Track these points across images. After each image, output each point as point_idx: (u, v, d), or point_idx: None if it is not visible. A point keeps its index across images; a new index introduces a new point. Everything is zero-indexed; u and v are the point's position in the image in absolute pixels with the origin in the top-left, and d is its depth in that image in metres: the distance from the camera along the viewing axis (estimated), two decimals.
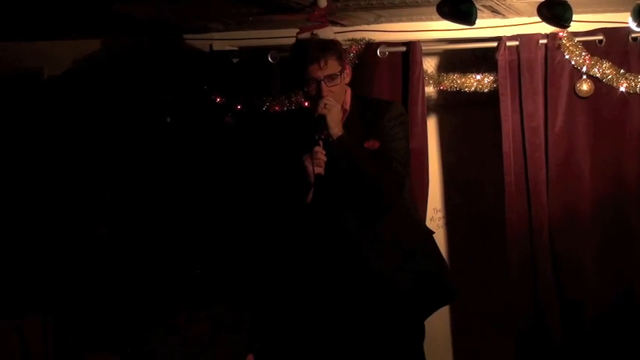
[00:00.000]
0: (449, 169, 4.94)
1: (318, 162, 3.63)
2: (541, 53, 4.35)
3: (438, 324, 4.73)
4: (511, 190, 4.38)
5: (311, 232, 3.88)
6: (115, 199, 4.95)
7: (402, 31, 4.66)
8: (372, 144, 3.74)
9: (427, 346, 3.93)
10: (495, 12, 4.34)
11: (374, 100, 4.09)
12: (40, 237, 5.01)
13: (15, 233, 5.02)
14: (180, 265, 4.67)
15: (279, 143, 3.94)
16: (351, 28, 4.66)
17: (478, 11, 3.89)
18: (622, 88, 4.26)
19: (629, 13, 3.94)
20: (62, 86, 5.12)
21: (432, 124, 4.87)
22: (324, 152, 3.64)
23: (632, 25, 3.95)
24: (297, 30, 3.99)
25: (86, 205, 4.99)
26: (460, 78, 4.54)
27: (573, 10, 3.80)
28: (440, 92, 4.84)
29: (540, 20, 3.96)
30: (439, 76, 4.61)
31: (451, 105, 4.86)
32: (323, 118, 3.64)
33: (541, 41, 4.34)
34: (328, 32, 3.93)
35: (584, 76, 4.29)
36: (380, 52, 4.57)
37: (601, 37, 4.30)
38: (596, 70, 4.27)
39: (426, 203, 4.58)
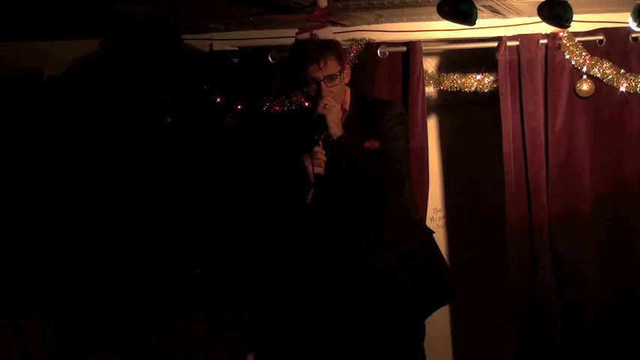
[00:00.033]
0: (449, 169, 4.94)
1: (317, 162, 3.63)
2: (541, 53, 4.35)
3: (438, 324, 4.73)
4: (511, 190, 4.38)
5: (311, 232, 3.88)
6: (115, 199, 4.95)
7: (402, 31, 4.66)
8: (372, 144, 3.74)
9: (427, 345, 3.93)
10: (495, 12, 4.34)
11: (374, 99, 4.09)
12: (40, 237, 5.01)
13: (15, 233, 5.02)
14: (180, 265, 4.67)
15: (279, 143, 3.94)
16: (351, 28, 4.66)
17: (478, 11, 3.89)
18: (622, 88, 4.26)
19: (629, 13, 3.94)
20: (62, 86, 5.12)
21: (432, 124, 4.87)
22: (323, 152, 3.64)
23: (633, 25, 3.95)
24: (297, 30, 3.99)
25: (86, 205, 4.99)
26: (460, 78, 4.54)
27: (573, 10, 3.81)
28: (440, 92, 4.84)
29: (540, 20, 3.96)
30: (439, 76, 4.61)
31: (451, 105, 4.86)
32: (323, 118, 3.64)
33: (541, 41, 4.34)
34: (327, 32, 3.93)
35: (585, 76, 4.29)
36: (380, 52, 4.57)
37: (601, 37, 4.30)
38: (597, 70, 4.27)
39: (426, 203, 4.58)
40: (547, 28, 4.27)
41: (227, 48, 4.93)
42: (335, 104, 3.68)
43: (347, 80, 3.81)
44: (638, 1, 3.88)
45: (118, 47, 5.05)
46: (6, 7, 4.15)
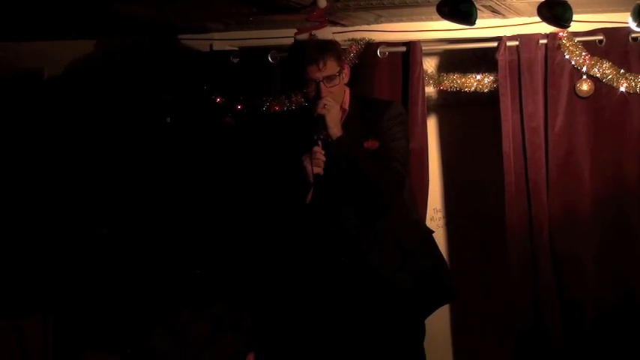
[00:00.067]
0: (449, 169, 4.94)
1: (316, 162, 3.63)
2: (541, 53, 4.35)
3: (438, 324, 4.73)
4: (511, 190, 4.38)
5: (311, 232, 3.88)
6: (115, 199, 4.95)
7: (402, 31, 4.66)
8: (372, 144, 3.74)
9: (427, 345, 3.93)
10: (495, 12, 4.34)
11: (373, 99, 4.09)
12: (40, 237, 5.01)
13: (15, 233, 5.02)
14: (180, 265, 4.67)
15: (279, 143, 3.94)
16: (351, 28, 4.66)
17: (478, 11, 3.89)
18: (622, 88, 4.26)
19: (629, 13, 3.94)
20: (62, 86, 5.13)
21: (432, 124, 4.87)
22: (323, 152, 3.64)
23: (632, 25, 3.95)
24: (296, 30, 3.99)
25: (86, 205, 4.99)
26: (460, 78, 4.54)
27: (573, 10, 3.80)
28: (440, 92, 4.84)
29: (540, 20, 3.96)
30: (439, 76, 4.61)
31: (451, 105, 4.86)
32: (322, 118, 3.64)
33: (541, 41, 4.34)
34: (326, 33, 3.93)
35: (584, 76, 4.29)
36: (380, 52, 4.57)
37: (601, 37, 4.30)
38: (597, 70, 4.27)
39: (426, 203, 4.58)
40: (547, 28, 4.26)
41: (227, 48, 4.93)
42: (334, 104, 3.68)
43: (346, 80, 3.81)
44: (638, 1, 3.88)
45: (118, 47, 5.05)
46: (6, 7, 4.15)
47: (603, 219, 4.33)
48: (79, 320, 4.93)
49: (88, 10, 4.23)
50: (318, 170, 3.63)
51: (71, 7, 4.16)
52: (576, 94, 4.32)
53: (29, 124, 5.11)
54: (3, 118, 5.13)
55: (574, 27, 4.06)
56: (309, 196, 3.71)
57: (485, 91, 4.52)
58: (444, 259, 4.03)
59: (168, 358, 2.42)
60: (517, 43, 4.37)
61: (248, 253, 4.64)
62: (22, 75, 5.20)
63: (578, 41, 4.28)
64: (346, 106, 3.82)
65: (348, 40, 4.58)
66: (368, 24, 4.65)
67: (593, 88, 4.29)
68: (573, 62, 4.30)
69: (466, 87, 4.53)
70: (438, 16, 3.96)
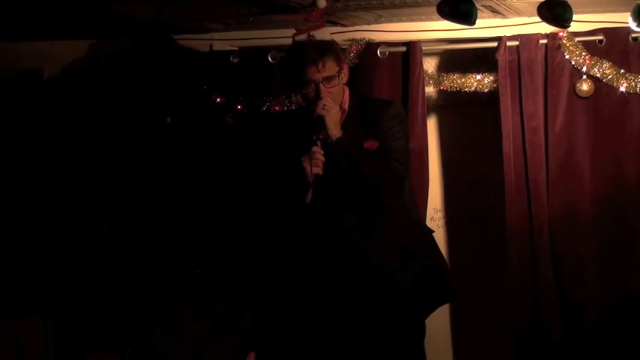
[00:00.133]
0: (449, 169, 4.94)
1: (315, 162, 3.64)
2: (541, 53, 4.35)
3: (438, 324, 4.73)
4: (511, 190, 4.37)
5: (311, 232, 3.88)
6: (115, 199, 4.95)
7: (402, 31, 4.66)
8: (372, 144, 3.74)
9: (427, 345, 3.93)
10: (495, 12, 4.34)
11: (373, 99, 4.09)
12: (40, 237, 5.01)
13: (15, 233, 5.02)
14: (180, 265, 4.67)
15: (279, 143, 3.94)
16: (351, 28, 4.66)
17: (478, 11, 3.89)
18: (622, 88, 4.26)
19: (629, 13, 3.94)
20: (62, 86, 5.13)
21: (432, 124, 4.87)
22: (322, 152, 3.64)
23: (632, 25, 3.95)
24: (295, 31, 3.99)
25: (86, 205, 4.99)
26: (460, 78, 4.54)
27: (573, 10, 3.81)
28: (440, 92, 4.83)
29: (540, 20, 3.96)
30: (439, 76, 4.61)
31: (451, 105, 4.86)
32: (321, 119, 3.64)
33: (541, 41, 4.34)
34: (325, 34, 3.93)
35: (585, 76, 4.29)
36: (380, 52, 4.57)
37: (601, 37, 4.30)
38: (597, 70, 4.27)
39: (426, 203, 4.58)
40: (547, 28, 4.26)
41: (227, 48, 4.93)
42: (334, 105, 3.68)
43: (345, 80, 3.81)
44: (638, 1, 3.88)
45: (118, 47, 5.05)
46: (6, 7, 4.15)
47: (603, 219, 4.33)
48: (79, 320, 4.93)
49: (88, 10, 4.23)
50: (317, 170, 3.63)
51: (71, 7, 4.16)
52: (576, 94, 4.32)
53: (29, 124, 5.12)
54: (3, 118, 5.13)
55: (574, 27, 4.06)
56: (309, 196, 3.71)
57: (486, 91, 4.52)
58: (444, 258, 4.03)
59: (168, 358, 2.43)
60: (517, 43, 4.37)
61: (248, 253, 4.64)
62: (22, 75, 5.21)
63: (578, 41, 4.28)
64: (346, 106, 3.82)
65: (348, 40, 4.58)
66: (368, 24, 4.65)
67: (593, 88, 4.29)
68: (573, 62, 4.30)
69: (466, 87, 4.53)
70: (438, 16, 3.96)
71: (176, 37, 4.95)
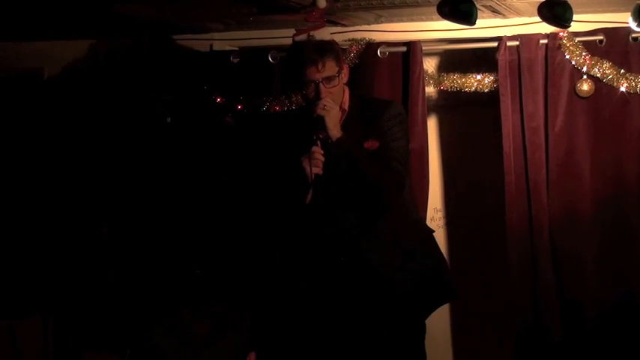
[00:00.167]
0: (449, 169, 4.94)
1: (315, 162, 3.64)
2: (541, 53, 4.34)
3: (438, 324, 4.73)
4: (511, 190, 4.37)
5: (311, 232, 3.88)
6: (115, 199, 4.95)
7: (402, 31, 4.66)
8: (372, 144, 3.74)
9: (427, 345, 3.93)
10: (496, 12, 4.34)
11: (373, 99, 4.09)
12: (40, 237, 5.01)
13: (15, 233, 5.02)
14: (180, 265, 4.67)
15: (279, 143, 3.94)
16: (351, 28, 4.66)
17: (478, 11, 3.89)
18: (622, 88, 4.26)
19: (629, 13, 3.94)
20: (62, 86, 5.13)
21: (432, 124, 4.87)
22: (322, 152, 3.64)
23: (633, 25, 3.95)
24: (295, 31, 3.99)
25: (86, 205, 4.99)
26: (460, 78, 4.54)
27: (573, 10, 3.81)
28: (440, 92, 4.83)
29: (541, 20, 3.97)
30: (439, 76, 4.61)
31: (451, 105, 4.86)
32: (321, 119, 3.64)
33: (541, 41, 4.34)
34: (325, 34, 3.93)
35: (585, 76, 4.29)
36: (380, 52, 4.57)
37: (601, 37, 4.30)
38: (597, 70, 4.27)
39: (426, 203, 4.58)
40: (547, 28, 4.26)
41: (227, 48, 4.93)
42: (334, 105, 3.68)
43: (345, 80, 3.81)
44: (638, 1, 3.88)
45: (118, 47, 5.05)
46: (6, 7, 4.15)
47: (603, 219, 4.33)
48: (79, 320, 4.93)
49: (88, 10, 4.23)
50: (317, 170, 3.63)
51: (71, 7, 4.16)
52: (576, 94, 4.31)
53: (29, 124, 5.11)
54: (3, 118, 5.13)
55: (574, 27, 4.06)
56: (309, 196, 3.71)
57: (486, 91, 4.52)
58: (444, 258, 4.03)
59: (168, 358, 2.42)
60: (517, 43, 4.37)
61: (248, 253, 4.64)
62: (22, 75, 5.21)
63: (578, 41, 4.28)
64: (346, 106, 3.82)
65: (348, 40, 4.58)
66: (368, 24, 4.65)
67: (594, 88, 4.29)
68: (573, 62, 4.29)
69: (466, 87, 4.53)
70: (438, 16, 3.96)
71: (176, 37, 4.95)
